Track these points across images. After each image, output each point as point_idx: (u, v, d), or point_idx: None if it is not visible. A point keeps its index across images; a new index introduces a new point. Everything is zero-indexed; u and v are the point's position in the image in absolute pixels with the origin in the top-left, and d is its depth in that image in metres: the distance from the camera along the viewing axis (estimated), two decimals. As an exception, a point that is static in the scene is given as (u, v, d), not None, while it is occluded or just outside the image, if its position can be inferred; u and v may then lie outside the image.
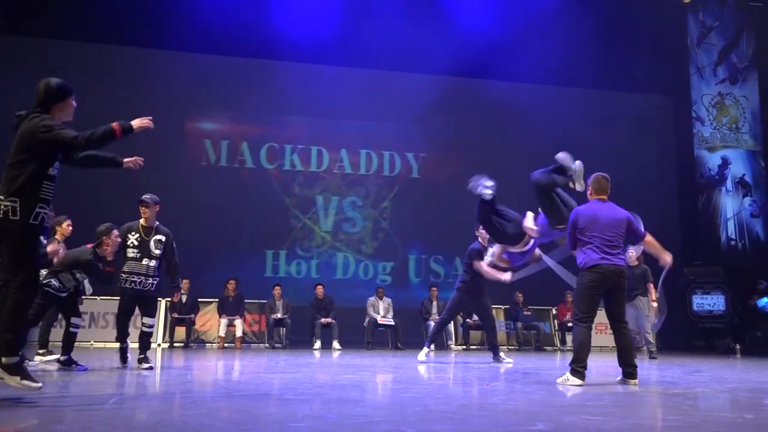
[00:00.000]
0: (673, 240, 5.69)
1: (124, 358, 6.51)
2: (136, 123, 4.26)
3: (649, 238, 5.62)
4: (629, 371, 5.34)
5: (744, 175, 13.49)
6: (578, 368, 5.24)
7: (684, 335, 12.76)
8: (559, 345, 12.37)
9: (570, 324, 12.23)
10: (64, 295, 6.22)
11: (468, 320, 11.75)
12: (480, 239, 8.22)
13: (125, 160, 4.88)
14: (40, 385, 3.80)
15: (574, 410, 3.71)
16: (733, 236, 13.29)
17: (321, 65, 13.56)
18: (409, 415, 3.54)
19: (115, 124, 4.15)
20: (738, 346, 11.73)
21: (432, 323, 11.62)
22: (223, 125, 13.70)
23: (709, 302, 13.10)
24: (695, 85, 13.65)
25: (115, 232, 6.41)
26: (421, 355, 8.13)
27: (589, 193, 5.63)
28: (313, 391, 4.62)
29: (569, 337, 12.42)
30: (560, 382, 5.29)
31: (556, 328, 12.61)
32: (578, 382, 5.20)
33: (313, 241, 13.69)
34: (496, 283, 7.86)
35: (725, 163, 13.39)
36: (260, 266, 13.26)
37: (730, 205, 13.32)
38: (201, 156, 13.41)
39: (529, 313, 12.29)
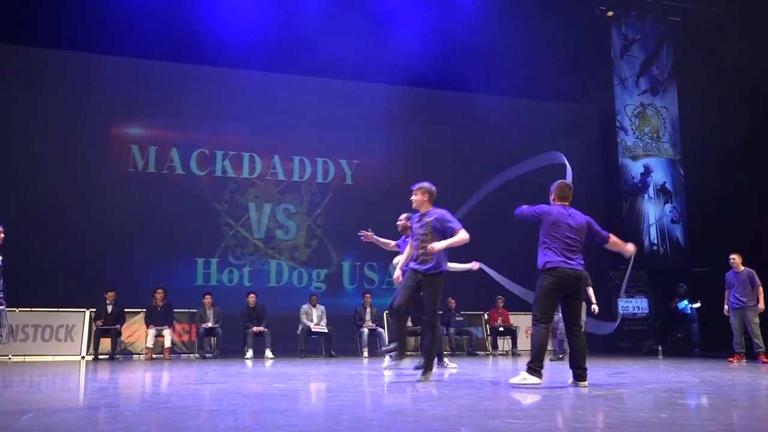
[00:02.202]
0: (599, 245, 5.84)
1: None
2: None
3: (613, 238, 5.74)
4: (579, 373, 5.42)
5: (665, 182, 14.06)
6: (536, 367, 5.31)
7: (610, 337, 13.17)
8: (491, 350, 12.55)
9: (501, 329, 12.49)
10: None
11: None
12: None
13: None
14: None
15: (499, 414, 3.76)
16: (655, 241, 13.82)
17: (253, 71, 13.40)
18: (336, 424, 3.51)
19: None
20: (660, 348, 12.19)
21: (366, 330, 11.66)
22: (151, 131, 13.34)
23: (634, 305, 13.58)
24: (619, 96, 14.16)
25: None
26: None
27: (552, 199, 5.72)
28: (240, 402, 4.53)
29: (501, 342, 12.67)
30: (516, 382, 5.33)
31: (488, 333, 12.80)
32: (536, 380, 5.27)
33: (246, 249, 13.48)
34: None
35: (647, 171, 13.92)
36: (191, 275, 12.97)
37: (652, 211, 13.85)
38: (128, 162, 13.01)
39: (461, 318, 12.44)
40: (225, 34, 12.51)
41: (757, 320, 9.34)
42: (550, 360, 8.94)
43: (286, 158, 14.01)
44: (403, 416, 3.76)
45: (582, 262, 5.51)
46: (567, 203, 5.66)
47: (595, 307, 10.04)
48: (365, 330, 11.65)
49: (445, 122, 13.68)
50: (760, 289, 9.35)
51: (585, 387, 5.32)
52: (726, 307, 9.63)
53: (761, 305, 9.30)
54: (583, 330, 5.63)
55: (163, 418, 3.80)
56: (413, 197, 6.29)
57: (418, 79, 13.49)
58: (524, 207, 5.66)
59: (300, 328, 11.38)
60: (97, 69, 12.59)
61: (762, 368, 8.11)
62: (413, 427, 3.35)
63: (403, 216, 7.75)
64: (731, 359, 9.34)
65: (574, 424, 3.37)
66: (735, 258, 9.55)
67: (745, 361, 9.28)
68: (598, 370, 7.87)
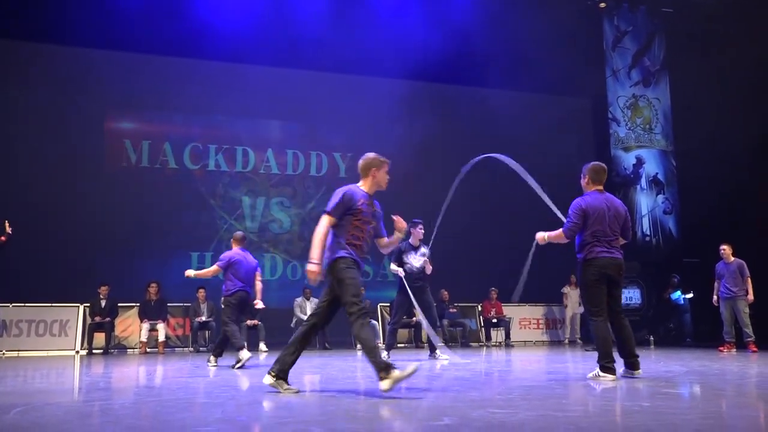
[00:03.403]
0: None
1: None
2: None
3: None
4: (631, 362, 5.30)
5: (657, 173, 14.09)
6: (607, 364, 5.14)
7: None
8: (484, 341, 12.61)
9: (495, 320, 12.55)
10: None
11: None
12: (412, 238, 8.35)
13: None
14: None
15: (483, 404, 3.80)
16: (648, 232, 13.85)
17: (246, 65, 13.38)
18: (320, 415, 3.55)
19: None
20: (651, 338, 12.26)
21: (359, 323, 11.69)
22: (144, 125, 13.34)
23: (627, 295, 13.63)
24: (611, 87, 14.15)
25: None
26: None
27: (585, 182, 5.52)
28: (229, 394, 4.58)
29: (494, 333, 12.73)
30: (591, 378, 5.18)
31: (482, 324, 12.85)
32: (611, 377, 5.09)
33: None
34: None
35: (639, 162, 13.94)
36: (185, 269, 12.86)
37: (645, 202, 13.88)
38: (121, 157, 13.01)
39: (454, 310, 12.48)
40: (219, 27, 12.49)
41: (746, 310, 9.42)
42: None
43: (279, 152, 14.02)
44: (389, 407, 3.80)
45: (621, 251, 5.38)
46: (602, 187, 5.46)
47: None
48: (359, 322, 11.68)
49: (437, 115, 13.69)
50: (749, 280, 9.44)
51: (639, 374, 5.20)
52: (715, 297, 9.71)
53: (750, 296, 9.39)
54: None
55: (151, 411, 3.84)
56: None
57: (411, 72, 13.45)
58: (566, 228, 5.32)
59: (294, 321, 11.43)
60: (90, 63, 12.57)
61: (751, 357, 8.18)
62: (399, 418, 3.39)
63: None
64: (721, 348, 9.42)
65: (556, 414, 3.42)
66: (725, 249, 9.62)
67: (735, 350, 9.36)
68: (589, 360, 7.92)
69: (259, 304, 7.84)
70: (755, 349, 9.20)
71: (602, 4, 14.29)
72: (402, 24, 13.10)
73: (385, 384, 4.05)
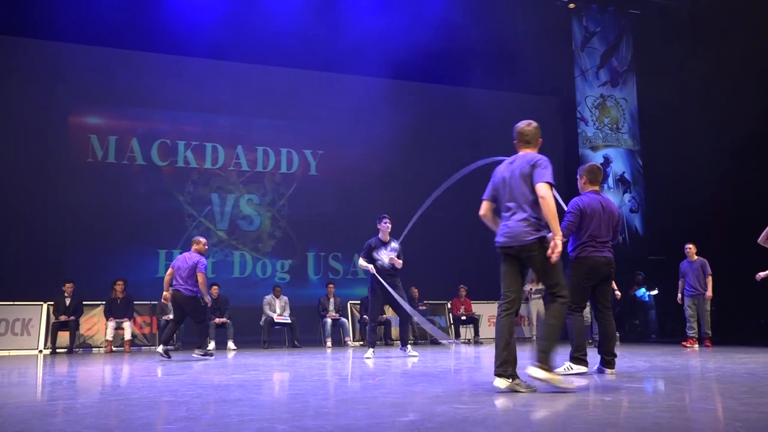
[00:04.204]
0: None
1: None
2: None
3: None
4: (608, 359, 5.38)
5: (624, 172, 14.32)
6: (580, 356, 5.27)
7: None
8: (453, 338, 12.68)
9: (464, 317, 12.63)
10: None
11: (365, 316, 11.83)
12: (381, 234, 8.30)
13: None
14: None
15: (448, 400, 3.83)
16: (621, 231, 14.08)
17: (215, 60, 13.29)
18: (286, 412, 3.54)
19: None
20: (618, 334, 12.43)
21: (329, 320, 11.69)
22: (110, 120, 13.12)
23: (594, 293, 13.82)
24: (579, 87, 14.35)
25: None
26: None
27: (582, 182, 5.59)
28: (195, 393, 4.53)
29: (464, 330, 12.81)
30: (561, 372, 5.18)
31: (451, 321, 12.93)
32: (583, 369, 5.22)
33: (209, 240, 13.32)
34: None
35: (607, 161, 14.16)
36: (152, 266, 12.84)
37: (612, 200, 14.08)
38: (87, 152, 12.80)
39: (424, 307, 12.54)
40: (190, 21, 12.35)
41: (708, 308, 9.66)
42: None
43: (249, 148, 13.93)
44: (354, 404, 3.80)
45: (611, 250, 5.45)
46: (598, 187, 5.57)
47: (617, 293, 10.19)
48: (328, 320, 11.68)
49: (407, 113, 13.70)
50: (710, 278, 9.67)
51: (613, 375, 5.26)
52: (680, 295, 9.92)
53: (709, 292, 9.63)
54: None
55: (113, 410, 3.79)
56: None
57: (383, 70, 13.48)
58: (563, 226, 5.17)
59: (263, 318, 11.37)
60: (54, 56, 12.34)
61: (708, 352, 8.39)
62: (362, 414, 3.39)
63: None
64: (685, 344, 9.64)
65: (519, 408, 3.45)
66: (690, 247, 9.84)
67: (697, 345, 9.57)
68: (557, 356, 8.01)
69: (206, 298, 8.47)
70: (709, 345, 9.49)
71: (571, 5, 14.47)
72: (375, 22, 13.09)
73: (538, 372, 3.96)
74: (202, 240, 8.64)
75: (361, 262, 8.20)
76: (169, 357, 8.22)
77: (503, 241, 4.27)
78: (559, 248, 4.04)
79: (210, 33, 12.38)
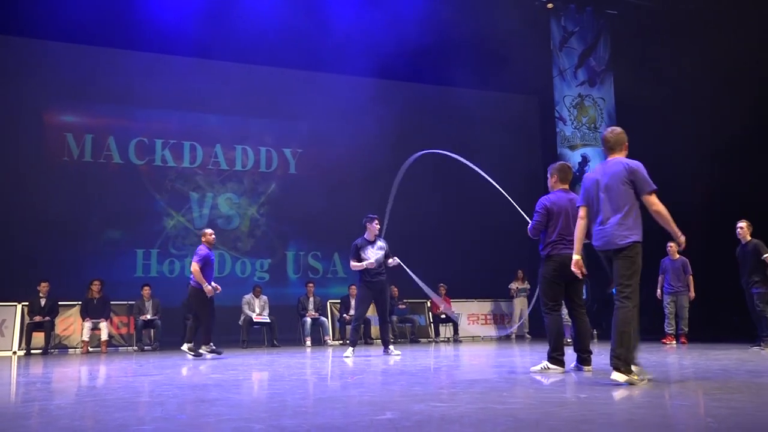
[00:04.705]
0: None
1: None
2: None
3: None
4: (584, 357, 5.41)
5: (602, 171, 14.45)
6: (557, 356, 5.29)
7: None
8: (433, 336, 12.72)
9: (443, 316, 12.67)
10: None
11: (345, 315, 11.84)
12: (367, 233, 8.31)
13: None
14: None
15: (426, 398, 3.84)
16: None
17: (192, 58, 13.18)
18: (263, 412, 3.53)
19: None
20: (595, 331, 12.56)
21: (309, 319, 11.67)
22: (86, 119, 12.95)
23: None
24: (558, 87, 14.44)
25: None
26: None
27: (553, 181, 5.65)
28: (171, 393, 4.50)
29: (443, 329, 12.85)
30: (538, 371, 5.28)
31: (431, 320, 12.96)
32: (560, 369, 5.24)
33: (187, 239, 13.27)
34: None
35: (585, 160, 14.26)
36: (130, 266, 12.71)
37: (585, 199, 14.22)
38: (62, 151, 12.62)
39: (403, 306, 12.56)
40: (167, 19, 12.22)
41: (687, 305, 9.81)
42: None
43: (228, 147, 13.83)
44: (332, 403, 3.80)
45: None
46: (568, 186, 5.62)
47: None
48: (308, 319, 11.65)
49: (388, 113, 13.69)
50: (691, 277, 9.83)
51: (589, 371, 5.29)
52: (659, 291, 10.05)
53: (692, 293, 9.78)
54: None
55: (88, 411, 3.75)
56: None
57: (360, 69, 13.47)
58: (531, 226, 5.51)
59: (242, 318, 11.31)
60: (29, 53, 12.19)
61: (683, 348, 8.52)
62: (340, 413, 3.39)
63: None
64: (665, 341, 9.77)
65: (496, 406, 3.47)
66: (672, 246, 9.96)
67: (674, 342, 9.71)
68: (532, 354, 8.08)
69: (206, 287, 8.37)
70: (685, 341, 9.65)
71: (550, 5, 14.55)
72: (355, 20, 13.07)
73: (619, 376, 4.25)
74: (206, 231, 8.69)
75: (353, 263, 8.17)
76: (220, 353, 8.34)
77: (599, 244, 4.56)
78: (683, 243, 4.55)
79: (189, 30, 12.27)
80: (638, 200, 4.45)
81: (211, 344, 8.40)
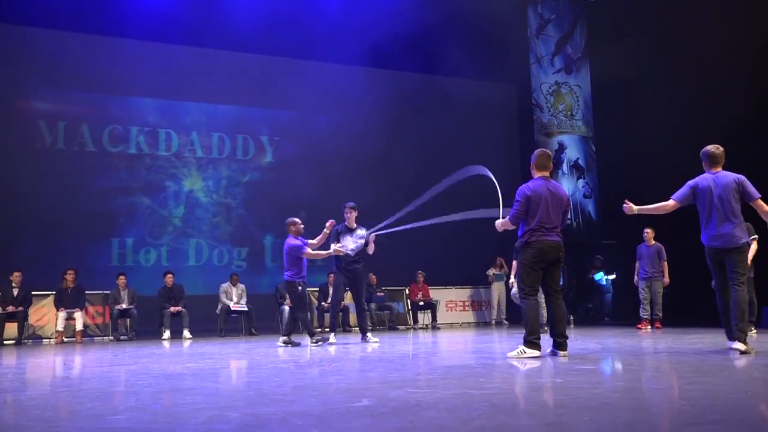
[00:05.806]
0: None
1: None
2: None
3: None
4: (560, 342, 5.44)
5: (578, 158, 14.55)
6: (534, 340, 5.33)
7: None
8: (412, 324, 12.76)
9: (421, 303, 12.71)
10: None
11: (323, 303, 11.81)
12: (347, 221, 8.32)
13: None
14: None
15: (403, 385, 3.84)
16: (569, 216, 14.29)
17: (168, 44, 12.98)
18: (239, 400, 3.51)
19: None
20: (571, 317, 12.68)
21: (287, 307, 11.61)
22: (59, 105, 12.71)
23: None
24: (535, 74, 14.49)
25: None
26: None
27: (531, 168, 5.67)
28: (146, 382, 4.46)
29: (421, 316, 12.89)
30: (515, 356, 5.29)
31: (409, 307, 13.00)
32: (536, 353, 5.28)
33: (163, 228, 13.14)
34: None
35: (561, 147, 14.36)
36: (105, 255, 12.56)
37: (566, 186, 14.29)
38: (34, 138, 12.39)
39: (382, 293, 12.57)
40: (142, 3, 12.04)
41: (661, 290, 9.93)
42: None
43: (204, 134, 13.68)
44: (308, 391, 3.79)
45: (559, 234, 5.52)
46: (547, 173, 5.64)
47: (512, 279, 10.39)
48: (286, 308, 11.58)
49: (365, 101, 13.63)
50: (665, 263, 9.93)
51: (565, 357, 5.33)
52: (636, 277, 10.16)
53: (666, 278, 9.90)
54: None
55: (61, 402, 3.70)
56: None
57: (339, 57, 13.40)
58: (510, 215, 5.55)
59: (219, 307, 11.24)
60: (1, 39, 11.90)
61: (658, 333, 8.63)
62: (316, 401, 3.38)
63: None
64: (640, 326, 9.87)
65: (472, 392, 3.48)
66: (648, 232, 10.06)
67: (650, 327, 9.83)
68: (509, 339, 8.14)
69: (334, 247, 8.23)
70: (659, 326, 9.77)
71: (527, -8, 14.57)
72: (331, 8, 12.99)
73: (740, 345, 5.23)
74: (295, 220, 8.05)
75: (334, 246, 8.16)
76: (323, 342, 8.01)
77: (717, 244, 5.48)
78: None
79: (165, 16, 12.10)
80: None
81: (316, 334, 8.20)
